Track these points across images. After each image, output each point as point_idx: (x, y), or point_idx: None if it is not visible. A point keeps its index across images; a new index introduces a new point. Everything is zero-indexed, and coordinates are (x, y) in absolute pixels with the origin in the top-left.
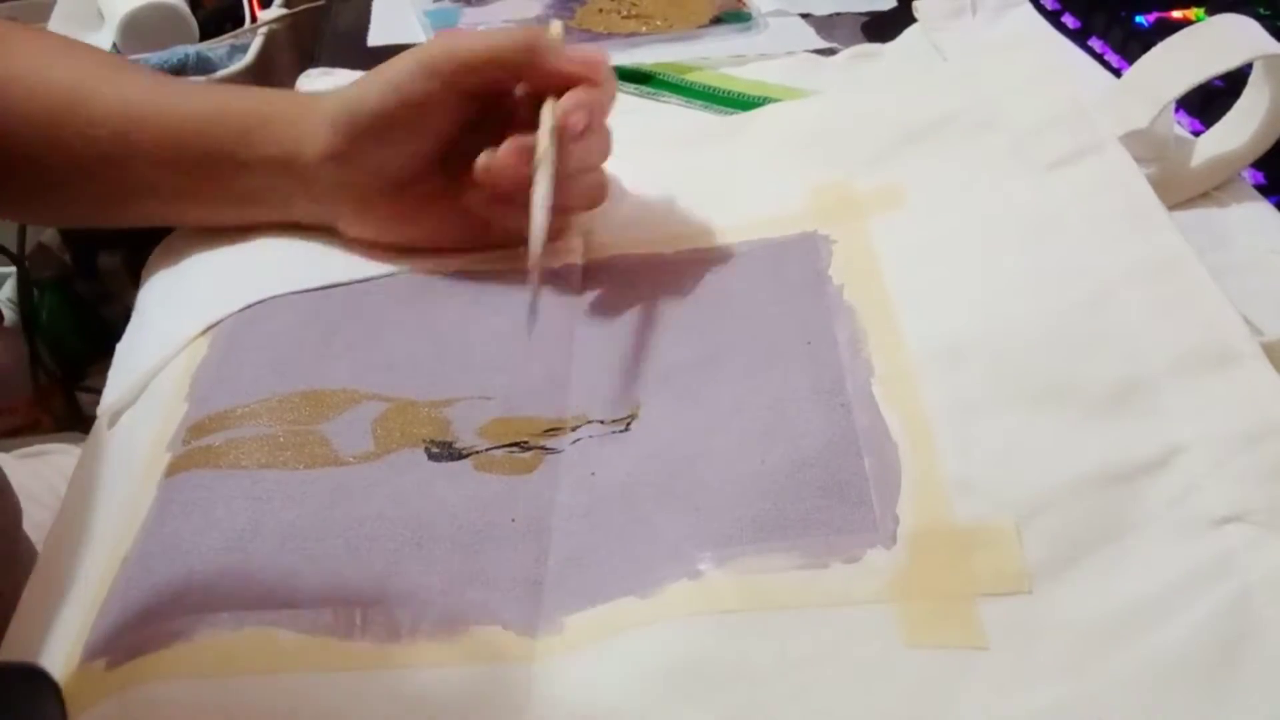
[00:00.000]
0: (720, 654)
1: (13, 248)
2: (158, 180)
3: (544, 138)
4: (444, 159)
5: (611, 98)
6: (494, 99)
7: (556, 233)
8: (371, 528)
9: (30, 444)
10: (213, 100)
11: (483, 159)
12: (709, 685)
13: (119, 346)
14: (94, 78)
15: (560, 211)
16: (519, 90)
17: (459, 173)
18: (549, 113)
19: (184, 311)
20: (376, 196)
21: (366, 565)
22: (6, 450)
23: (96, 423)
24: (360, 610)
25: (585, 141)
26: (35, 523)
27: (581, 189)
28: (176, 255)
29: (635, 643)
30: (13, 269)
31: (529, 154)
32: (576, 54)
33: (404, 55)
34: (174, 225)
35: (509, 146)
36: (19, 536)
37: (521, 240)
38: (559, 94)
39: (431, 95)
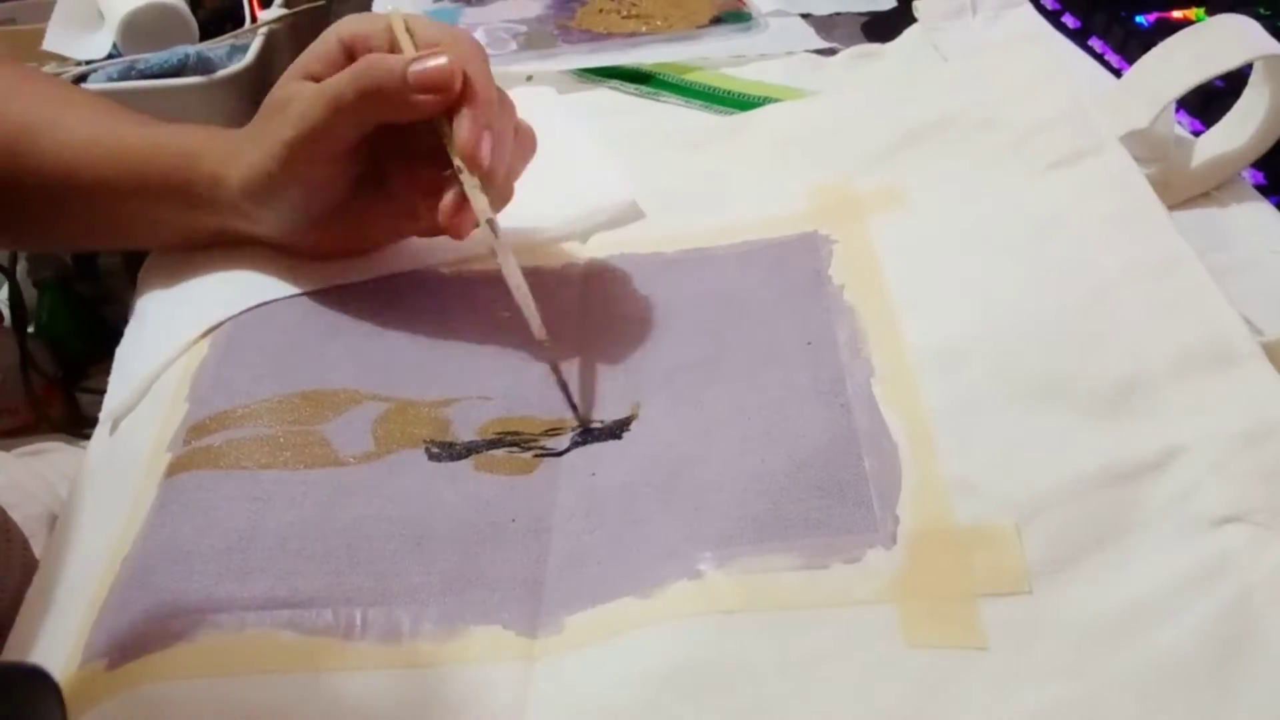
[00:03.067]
0: (720, 654)
1: (3, 260)
2: (92, 212)
3: (464, 175)
4: (371, 166)
5: (490, 91)
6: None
7: (507, 195)
8: (372, 528)
9: (30, 444)
10: (153, 137)
11: (406, 200)
12: (709, 686)
13: (119, 351)
14: (41, 118)
15: (504, 185)
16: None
17: (386, 168)
18: (452, 151)
19: (183, 314)
20: (311, 228)
21: (367, 565)
22: (6, 450)
23: (99, 426)
24: (361, 610)
25: (499, 150)
26: (29, 515)
27: (516, 159)
28: (173, 259)
29: (635, 643)
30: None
31: (465, 202)
32: (423, 74)
33: (273, 120)
34: (113, 250)
35: (447, 208)
36: (7, 523)
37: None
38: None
39: (309, 169)
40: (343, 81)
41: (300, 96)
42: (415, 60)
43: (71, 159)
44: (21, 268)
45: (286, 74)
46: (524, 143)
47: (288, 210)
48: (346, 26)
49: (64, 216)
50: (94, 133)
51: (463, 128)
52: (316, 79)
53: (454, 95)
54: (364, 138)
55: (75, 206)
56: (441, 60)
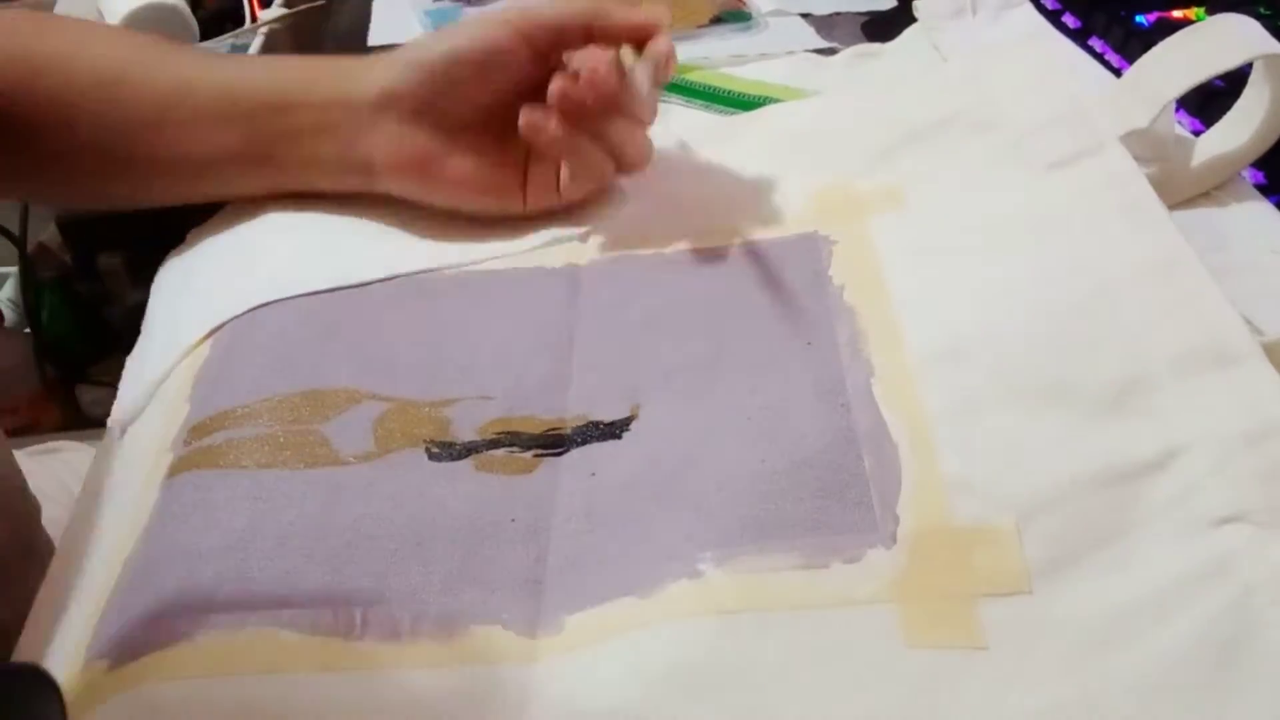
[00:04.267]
0: (721, 654)
1: (12, 252)
2: (199, 145)
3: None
4: (496, 117)
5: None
6: (549, 73)
7: (570, 209)
8: (371, 527)
9: (38, 442)
10: (262, 60)
11: (558, 80)
12: (709, 686)
13: (129, 359)
14: (139, 54)
15: (601, 175)
16: (570, 64)
17: (506, 133)
18: (627, 54)
19: (188, 317)
20: (425, 140)
21: (366, 564)
22: (16, 449)
23: (108, 430)
24: (360, 609)
25: (655, 94)
26: (50, 518)
27: (633, 146)
28: (184, 263)
29: (636, 643)
30: (13, 269)
31: (615, 66)
32: (638, 15)
33: (478, 14)
34: (201, 200)
35: (601, 56)
36: (38, 531)
37: (542, 207)
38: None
39: (503, 42)
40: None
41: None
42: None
43: (177, 86)
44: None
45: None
46: (656, 102)
47: (429, 105)
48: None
49: (143, 157)
50: (204, 62)
51: (660, 43)
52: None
53: (663, 29)
54: (520, 86)
55: (162, 143)
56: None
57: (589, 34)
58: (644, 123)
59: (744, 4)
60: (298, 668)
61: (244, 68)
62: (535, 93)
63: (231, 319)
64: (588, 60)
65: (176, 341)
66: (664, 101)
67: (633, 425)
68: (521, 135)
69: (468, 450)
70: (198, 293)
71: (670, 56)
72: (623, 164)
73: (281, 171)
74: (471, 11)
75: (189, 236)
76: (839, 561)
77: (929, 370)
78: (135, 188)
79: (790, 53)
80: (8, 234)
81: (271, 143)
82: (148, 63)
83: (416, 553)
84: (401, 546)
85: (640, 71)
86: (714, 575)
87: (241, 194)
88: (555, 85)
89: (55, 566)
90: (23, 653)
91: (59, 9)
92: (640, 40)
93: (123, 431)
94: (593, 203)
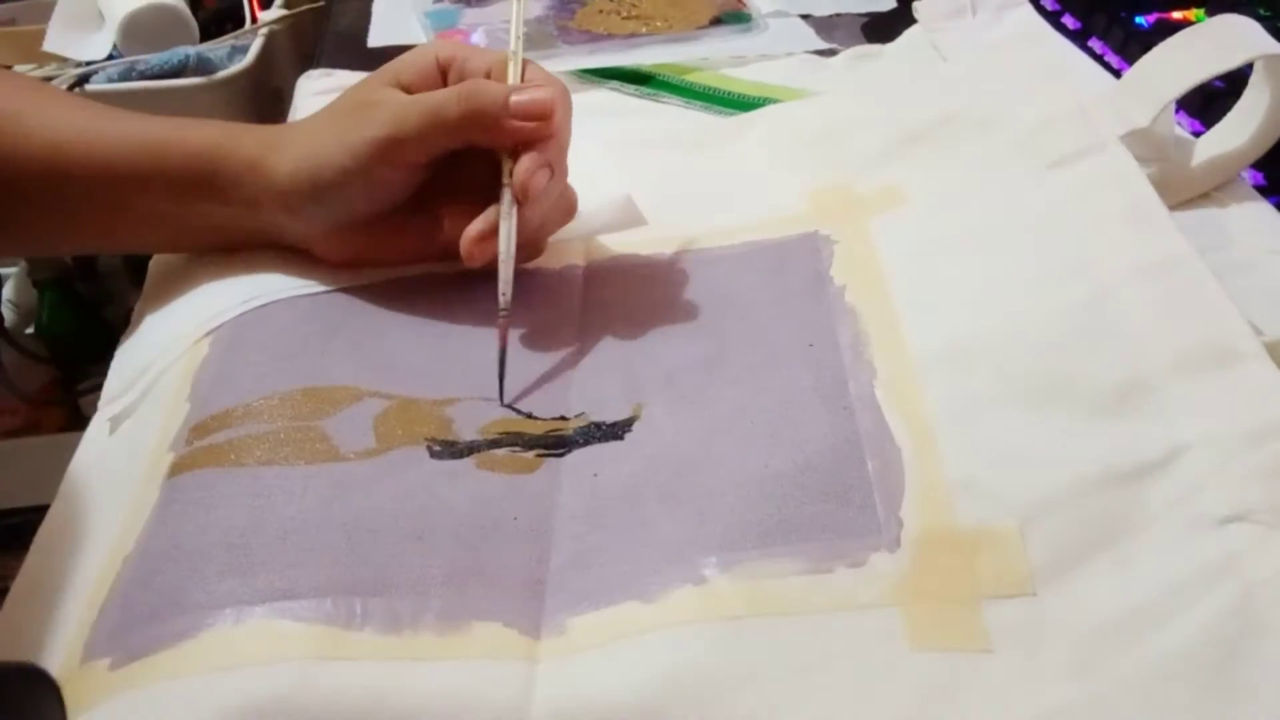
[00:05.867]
0: (725, 660)
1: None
2: (90, 208)
3: (506, 196)
4: (410, 200)
5: (567, 138)
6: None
7: (536, 252)
8: (372, 522)
9: (31, 445)
10: (160, 130)
11: (449, 229)
12: (715, 691)
13: (119, 349)
14: (24, 105)
15: (537, 238)
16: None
17: (432, 195)
18: (507, 174)
19: (184, 314)
20: (345, 230)
21: (367, 558)
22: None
23: (92, 423)
24: (360, 600)
25: (546, 193)
26: None
27: (553, 213)
28: (178, 260)
29: (640, 648)
30: (13, 269)
31: (493, 234)
32: (524, 103)
33: (358, 116)
34: (110, 254)
35: (472, 234)
36: None
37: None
38: (514, 148)
39: (384, 170)
40: (449, 98)
41: (396, 102)
42: (518, 90)
43: (66, 147)
44: (21, 267)
45: (373, 77)
46: (565, 206)
47: (341, 206)
48: (446, 49)
49: (55, 213)
50: (89, 123)
51: (527, 158)
52: (407, 89)
53: (549, 129)
54: (425, 172)
55: (70, 201)
56: (544, 94)
57: (472, 138)
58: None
59: (744, 5)
60: (296, 657)
61: (134, 135)
62: (434, 166)
63: (231, 318)
64: (465, 240)
65: (172, 336)
66: (664, 102)
67: (634, 426)
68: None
69: (469, 449)
70: (194, 290)
71: (555, 162)
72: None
73: (206, 244)
74: (471, 13)
75: None
76: (843, 566)
77: (931, 372)
78: (29, 243)
79: (790, 54)
80: None
81: (155, 225)
82: (26, 121)
83: (417, 547)
84: (402, 540)
85: (504, 231)
86: (718, 580)
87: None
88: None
89: (33, 560)
90: (2, 647)
91: (59, 9)
92: (487, 138)
93: (114, 427)
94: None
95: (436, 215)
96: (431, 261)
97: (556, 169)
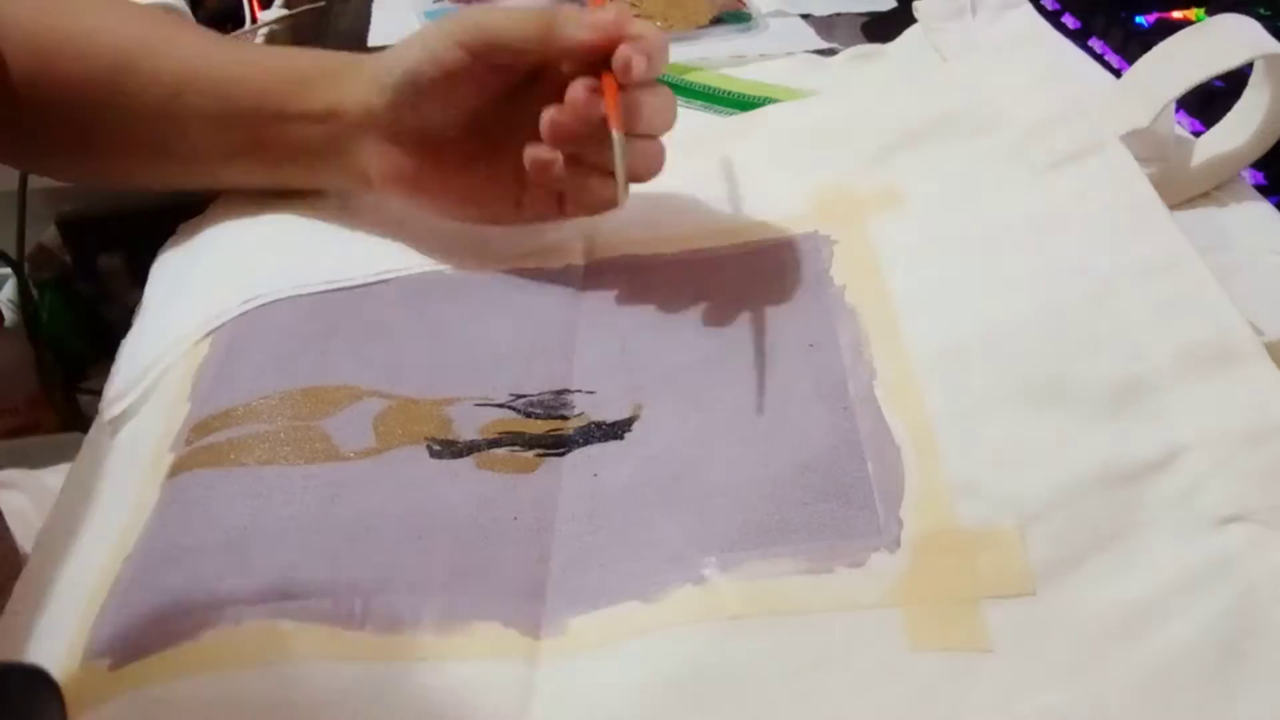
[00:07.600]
0: (725, 660)
1: (11, 251)
2: (207, 138)
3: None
4: (481, 128)
5: (661, 45)
6: (536, 72)
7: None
8: (372, 521)
9: (32, 445)
10: (260, 58)
11: (548, 111)
12: (715, 691)
13: (122, 346)
14: (146, 41)
15: (605, 200)
16: (565, 67)
17: (495, 143)
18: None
19: (186, 313)
20: (411, 156)
21: (367, 557)
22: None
23: (95, 423)
24: (361, 599)
25: (650, 98)
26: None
27: (641, 157)
28: (181, 257)
29: (641, 648)
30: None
31: (598, 93)
32: (596, 21)
33: (442, 21)
34: (216, 187)
35: (579, 84)
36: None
37: (541, 217)
38: (597, 67)
39: (461, 64)
40: (524, 14)
41: (484, 9)
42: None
43: (179, 79)
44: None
45: None
46: (667, 103)
47: (403, 123)
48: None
49: (148, 144)
50: (204, 54)
51: (627, 47)
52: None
53: (627, 33)
54: (495, 94)
55: (164, 133)
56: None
57: (545, 50)
58: (653, 136)
59: (744, 5)
60: (296, 655)
61: (243, 65)
62: (517, 100)
63: (232, 318)
64: (570, 91)
65: (174, 335)
66: None
67: (634, 426)
68: (529, 173)
69: (469, 448)
70: (195, 290)
71: (652, 52)
72: (632, 179)
73: (285, 173)
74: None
75: (180, 229)
76: (843, 566)
77: (931, 372)
78: (153, 173)
79: (790, 53)
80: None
81: (271, 149)
82: (155, 53)
83: (417, 545)
84: (402, 539)
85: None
86: (719, 580)
87: (254, 186)
88: (545, 119)
89: (33, 560)
90: (2, 648)
91: None
92: (603, 54)
93: (116, 428)
94: None
95: (493, 168)
96: (481, 206)
97: (655, 63)
